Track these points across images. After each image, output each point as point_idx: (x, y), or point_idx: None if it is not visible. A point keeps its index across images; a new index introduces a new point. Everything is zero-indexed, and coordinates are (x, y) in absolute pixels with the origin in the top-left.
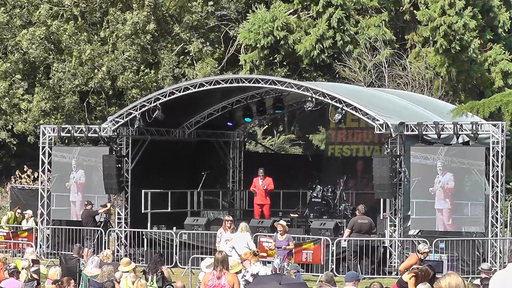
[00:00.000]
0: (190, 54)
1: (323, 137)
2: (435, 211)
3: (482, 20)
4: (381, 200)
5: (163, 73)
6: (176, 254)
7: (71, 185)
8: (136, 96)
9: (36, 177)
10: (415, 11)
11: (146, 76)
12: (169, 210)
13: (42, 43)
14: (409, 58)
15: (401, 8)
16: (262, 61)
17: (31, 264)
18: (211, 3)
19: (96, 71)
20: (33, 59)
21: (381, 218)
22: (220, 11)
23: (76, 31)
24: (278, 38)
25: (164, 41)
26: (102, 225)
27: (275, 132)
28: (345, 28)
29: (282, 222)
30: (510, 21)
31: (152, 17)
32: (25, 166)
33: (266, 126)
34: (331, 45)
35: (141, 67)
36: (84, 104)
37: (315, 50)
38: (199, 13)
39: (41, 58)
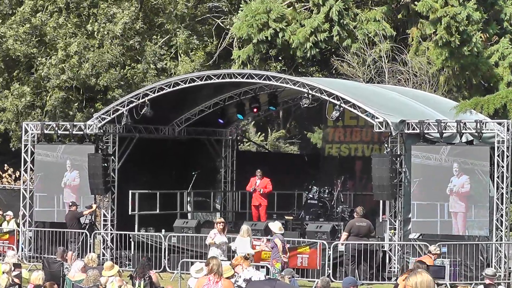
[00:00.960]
0: (175, 48)
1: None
2: (448, 214)
3: (487, 13)
4: (381, 202)
5: (144, 66)
6: (165, 258)
7: (65, 187)
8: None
9: (18, 176)
10: (416, 2)
11: (132, 70)
12: (157, 211)
13: (26, 39)
14: (409, 53)
15: (401, 1)
16: (256, 55)
17: (13, 268)
18: None
19: (82, 65)
20: (18, 55)
21: (380, 220)
22: (212, 2)
23: (62, 22)
24: (274, 31)
25: (149, 33)
26: (87, 227)
27: (269, 129)
28: (344, 22)
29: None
30: None
31: (140, 14)
32: (5, 165)
33: (259, 122)
34: (326, 38)
35: (127, 62)
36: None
37: (308, 42)
38: (185, 3)
39: (26, 54)
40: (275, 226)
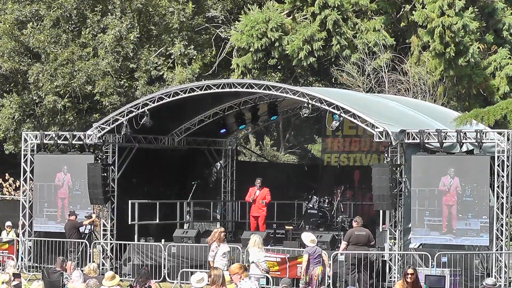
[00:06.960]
0: (172, 57)
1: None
2: (441, 212)
3: (486, 23)
4: (381, 211)
5: (139, 74)
6: (164, 267)
7: (60, 189)
8: (115, 103)
9: (18, 186)
10: (413, 12)
11: (128, 82)
12: (157, 221)
13: (12, 55)
14: (409, 63)
15: (401, 10)
16: (255, 65)
17: (12, 278)
18: (192, 5)
19: (76, 74)
20: (6, 71)
21: (381, 230)
22: (209, 13)
23: (52, 34)
24: (272, 40)
25: (145, 42)
26: (86, 237)
27: (265, 138)
28: (341, 31)
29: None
30: None
31: (136, 24)
32: (6, 174)
33: (258, 132)
34: (321, 47)
35: (123, 70)
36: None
37: (302, 51)
38: (181, 12)
39: (14, 69)
40: (306, 237)
